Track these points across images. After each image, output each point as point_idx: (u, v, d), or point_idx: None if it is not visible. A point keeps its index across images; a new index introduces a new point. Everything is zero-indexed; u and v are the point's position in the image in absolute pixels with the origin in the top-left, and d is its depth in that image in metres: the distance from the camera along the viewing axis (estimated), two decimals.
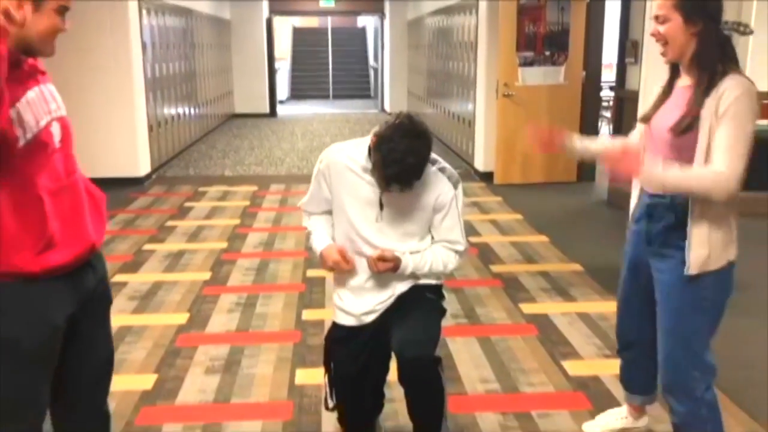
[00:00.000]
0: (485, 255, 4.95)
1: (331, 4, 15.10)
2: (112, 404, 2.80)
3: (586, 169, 7.33)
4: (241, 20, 14.01)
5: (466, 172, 8.12)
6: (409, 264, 2.31)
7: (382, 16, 15.33)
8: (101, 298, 1.94)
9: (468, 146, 8.35)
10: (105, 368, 2.01)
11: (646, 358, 2.38)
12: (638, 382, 2.53)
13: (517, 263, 4.79)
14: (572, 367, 3.24)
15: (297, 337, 3.56)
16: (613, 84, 7.34)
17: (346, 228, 2.38)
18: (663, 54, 2.10)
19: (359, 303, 2.41)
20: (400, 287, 2.39)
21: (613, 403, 2.83)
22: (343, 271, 2.40)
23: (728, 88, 1.95)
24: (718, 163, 1.95)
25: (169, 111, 8.75)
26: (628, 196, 2.41)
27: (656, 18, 2.06)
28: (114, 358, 2.05)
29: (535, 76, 7.09)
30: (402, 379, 2.32)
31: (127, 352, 3.40)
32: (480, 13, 7.53)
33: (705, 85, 1.99)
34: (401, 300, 2.39)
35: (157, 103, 8.07)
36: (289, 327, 3.71)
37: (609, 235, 5.25)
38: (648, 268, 2.24)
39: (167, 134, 8.64)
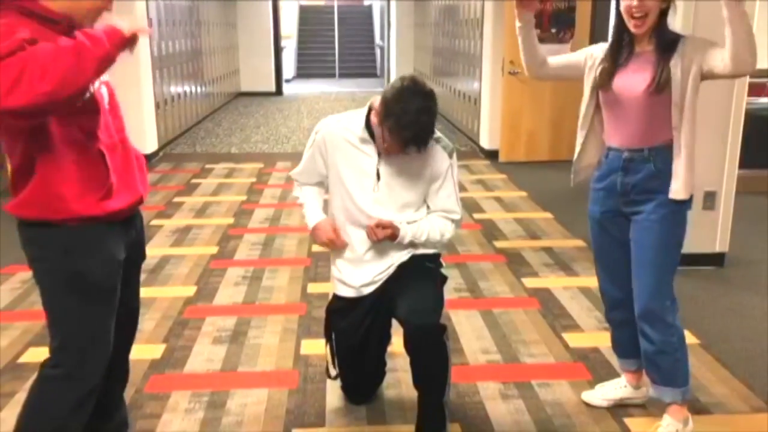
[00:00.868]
0: (489, 231, 4.99)
1: None
2: None
3: None
4: None
5: (472, 150, 8.15)
6: (407, 233, 2.35)
7: None
8: (138, 248, 2.15)
9: (473, 124, 8.36)
10: (136, 316, 2.26)
11: (633, 316, 2.46)
12: (629, 345, 2.60)
13: (520, 239, 4.83)
14: (573, 339, 3.29)
15: (302, 310, 3.63)
16: None
17: (344, 199, 2.42)
18: (638, 26, 2.27)
19: (358, 274, 2.45)
20: (399, 257, 2.43)
21: (613, 373, 2.88)
22: (336, 248, 2.44)
23: (689, 42, 2.27)
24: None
25: (176, 89, 8.78)
26: None
27: None
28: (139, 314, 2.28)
29: None
30: (408, 346, 2.36)
31: None
32: None
33: (669, 49, 2.26)
34: (401, 270, 2.43)
35: (163, 81, 8.10)
36: (295, 299, 3.77)
37: None
38: (619, 218, 2.44)
39: (174, 112, 8.67)
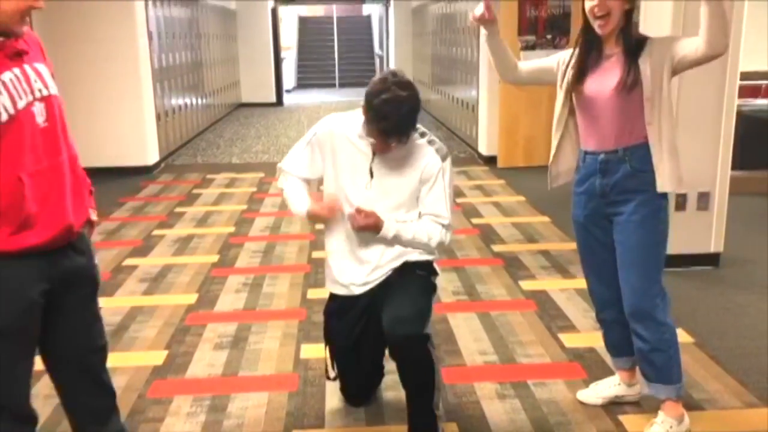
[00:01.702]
0: (487, 235, 5.04)
1: None
2: (123, 379, 2.96)
3: None
4: (247, 10, 14.08)
5: (471, 156, 8.21)
6: (391, 228, 2.33)
7: (387, 3, 15.37)
8: (86, 277, 1.94)
9: (472, 131, 8.42)
10: (94, 346, 2.00)
11: (623, 315, 2.50)
12: (622, 343, 2.64)
13: (518, 243, 4.88)
14: (569, 339, 3.33)
15: (302, 315, 3.67)
16: None
17: (339, 197, 2.46)
18: (602, 27, 2.33)
19: (349, 273, 2.49)
20: (390, 260, 2.45)
21: (608, 372, 2.92)
22: (336, 211, 2.44)
23: (656, 42, 2.33)
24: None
25: (177, 101, 8.86)
26: None
27: None
28: (104, 337, 2.05)
29: None
30: (392, 355, 2.41)
31: (138, 330, 3.52)
32: None
33: (636, 50, 2.31)
34: (392, 276, 2.45)
35: (164, 93, 8.18)
36: (295, 305, 3.82)
37: None
38: (603, 219, 2.48)
39: (175, 124, 8.75)
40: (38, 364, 1.91)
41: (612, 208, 2.45)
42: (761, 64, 7.42)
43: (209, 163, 8.19)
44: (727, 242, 4.28)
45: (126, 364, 3.13)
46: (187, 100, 9.50)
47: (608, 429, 2.61)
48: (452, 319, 3.56)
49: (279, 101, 14.57)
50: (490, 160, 7.59)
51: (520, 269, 4.33)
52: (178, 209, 5.99)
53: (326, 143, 2.46)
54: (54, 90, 1.81)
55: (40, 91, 1.75)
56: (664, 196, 2.40)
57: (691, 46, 2.24)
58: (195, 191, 6.68)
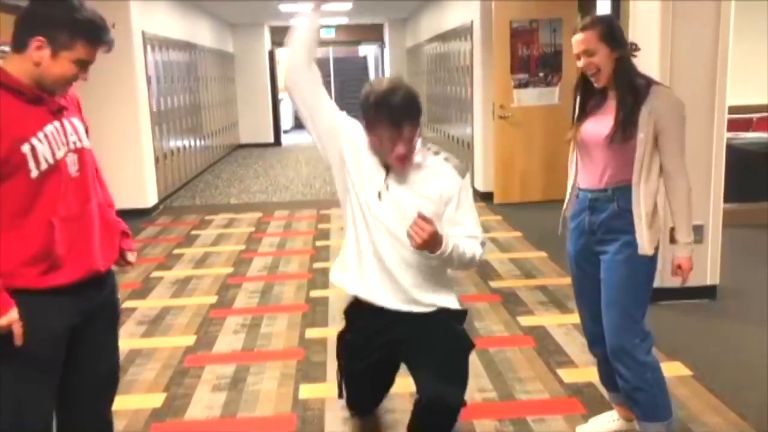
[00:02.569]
0: (485, 271, 5.06)
1: (332, 35, 15.41)
2: (122, 422, 2.95)
3: None
4: (244, 53, 14.32)
5: None
6: (450, 243, 2.13)
7: (382, 44, 15.63)
8: (108, 310, 2.08)
9: (468, 168, 8.49)
10: (110, 377, 2.12)
11: None
12: (615, 379, 2.62)
13: (515, 278, 4.90)
14: (567, 374, 3.33)
15: (300, 355, 3.67)
16: None
17: (354, 207, 2.31)
18: (596, 81, 2.38)
19: (377, 293, 2.32)
20: (423, 291, 2.29)
21: (607, 407, 2.91)
22: None
23: (659, 101, 2.34)
24: (676, 174, 2.39)
25: (175, 143, 8.95)
26: None
27: (585, 52, 2.35)
28: (119, 370, 2.16)
29: (530, 97, 7.25)
30: (418, 420, 2.27)
31: (137, 373, 3.51)
32: (474, 38, 7.73)
33: (633, 97, 2.33)
34: (427, 325, 2.29)
35: (163, 135, 8.27)
36: (293, 345, 3.82)
37: None
38: (593, 256, 2.50)
39: (173, 165, 8.82)
40: None
41: (600, 246, 2.49)
42: (751, 98, 7.54)
43: (208, 204, 8.24)
44: (723, 274, 4.30)
45: (125, 407, 3.11)
46: (186, 142, 9.59)
47: None
48: None
49: (277, 141, 14.72)
50: (487, 196, 7.64)
51: (518, 305, 4.34)
52: (177, 251, 6.01)
53: (352, 143, 2.32)
54: (87, 144, 1.98)
55: (74, 143, 1.92)
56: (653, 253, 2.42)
57: (666, 163, 2.36)
58: (193, 232, 6.72)
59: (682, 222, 2.42)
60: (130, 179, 7.46)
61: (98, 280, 1.99)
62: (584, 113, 2.47)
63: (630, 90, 2.35)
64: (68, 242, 1.86)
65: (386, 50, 15.42)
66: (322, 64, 21.29)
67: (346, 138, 2.32)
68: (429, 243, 2.07)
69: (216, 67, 12.21)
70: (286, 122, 17.44)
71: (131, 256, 2.18)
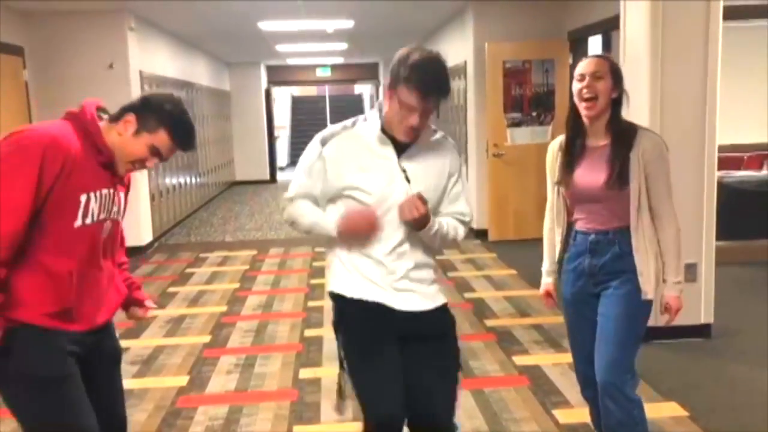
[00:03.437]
0: (480, 310, 5.05)
1: (328, 73, 15.59)
2: None
3: None
4: (241, 91, 14.47)
5: None
6: (435, 222, 2.17)
7: (378, 83, 15.80)
8: (111, 350, 2.19)
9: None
10: (121, 414, 2.23)
11: None
12: None
13: (510, 317, 4.89)
14: (563, 415, 3.31)
15: (294, 396, 3.64)
16: None
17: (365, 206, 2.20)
18: (588, 109, 2.39)
19: (372, 272, 2.22)
20: (416, 274, 2.23)
21: None
22: (376, 230, 2.16)
23: (646, 146, 2.40)
24: (665, 215, 2.43)
25: (171, 180, 8.98)
26: None
27: (594, 74, 2.38)
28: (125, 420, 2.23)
29: (523, 135, 7.32)
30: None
31: (129, 414, 3.44)
32: (468, 77, 7.83)
33: (625, 142, 2.39)
34: (424, 342, 2.22)
35: (158, 173, 8.30)
36: (287, 385, 3.79)
37: None
38: (590, 298, 2.51)
39: (169, 203, 8.84)
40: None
41: (599, 287, 2.49)
42: (742, 138, 7.64)
43: (202, 242, 8.24)
44: (717, 312, 4.30)
45: None
46: (182, 180, 9.63)
47: None
48: None
49: (272, 178, 14.78)
50: (481, 234, 7.66)
51: (513, 344, 4.33)
52: (171, 289, 5.99)
53: (335, 159, 2.23)
54: (122, 217, 2.17)
55: (115, 214, 2.10)
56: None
57: (654, 204, 2.41)
58: (188, 270, 6.70)
59: (671, 261, 2.44)
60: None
61: (95, 330, 2.10)
62: (571, 164, 2.49)
63: (622, 137, 2.40)
64: (79, 295, 1.97)
65: (381, 89, 15.60)
66: (317, 101, 21.57)
67: (334, 165, 2.24)
68: (418, 221, 2.14)
69: (213, 105, 12.32)
70: (282, 159, 17.57)
71: (151, 303, 2.35)
